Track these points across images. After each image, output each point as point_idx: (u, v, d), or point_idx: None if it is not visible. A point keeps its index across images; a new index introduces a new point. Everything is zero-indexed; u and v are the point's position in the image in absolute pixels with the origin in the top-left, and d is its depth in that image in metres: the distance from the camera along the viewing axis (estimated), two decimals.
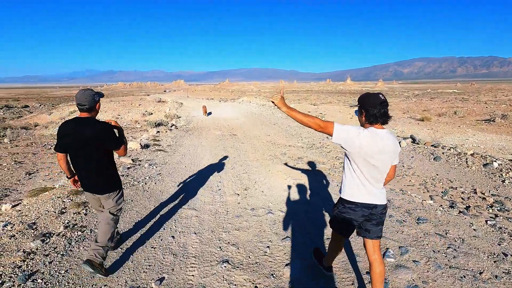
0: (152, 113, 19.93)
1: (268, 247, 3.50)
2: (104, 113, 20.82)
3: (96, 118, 2.66)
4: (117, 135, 2.73)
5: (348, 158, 2.29)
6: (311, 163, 7.51)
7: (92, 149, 2.54)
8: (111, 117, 19.49)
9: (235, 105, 25.29)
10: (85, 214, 4.07)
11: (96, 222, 3.86)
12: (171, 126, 14.07)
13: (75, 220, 3.87)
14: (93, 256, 2.60)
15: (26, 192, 5.16)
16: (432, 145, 9.25)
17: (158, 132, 12.05)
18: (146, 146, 9.21)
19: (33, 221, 3.73)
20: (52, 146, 10.13)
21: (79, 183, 2.80)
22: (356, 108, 2.34)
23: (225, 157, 8.19)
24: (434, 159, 7.70)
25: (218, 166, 7.22)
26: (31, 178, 6.45)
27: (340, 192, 2.40)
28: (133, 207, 4.54)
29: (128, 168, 6.60)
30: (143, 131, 13.22)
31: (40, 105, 48.86)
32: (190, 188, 5.61)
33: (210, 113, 19.00)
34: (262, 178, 6.31)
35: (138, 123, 17.28)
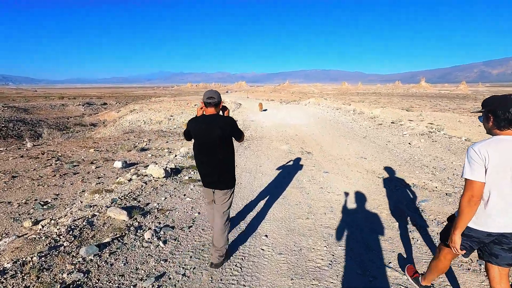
0: None
1: None
2: (158, 113, 18.80)
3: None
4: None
5: None
6: None
7: (223, 144, 2.56)
8: (163, 118, 17.19)
9: (301, 108, 20.95)
10: None
11: None
12: None
13: None
14: (217, 259, 2.73)
15: None
16: None
17: None
18: (176, 171, 5.68)
19: None
20: (63, 163, 7.28)
21: None
22: (480, 114, 1.82)
23: (305, 214, 4.09)
24: None
25: (295, 251, 3.17)
26: None
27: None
28: None
29: (107, 245, 2.95)
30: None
31: (116, 103, 52.02)
32: None
33: (265, 110, 18.55)
34: None
35: None
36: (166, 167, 5.44)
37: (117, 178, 5.36)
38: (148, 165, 6.09)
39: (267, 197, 4.72)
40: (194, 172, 5.83)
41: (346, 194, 4.88)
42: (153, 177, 5.14)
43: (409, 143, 8.60)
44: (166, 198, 4.37)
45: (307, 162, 7.02)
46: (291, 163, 6.92)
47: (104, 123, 26.68)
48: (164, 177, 5.17)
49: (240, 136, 2.70)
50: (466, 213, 1.70)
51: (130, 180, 4.98)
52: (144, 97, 61.31)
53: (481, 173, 1.64)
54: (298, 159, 7.28)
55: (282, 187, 5.22)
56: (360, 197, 4.71)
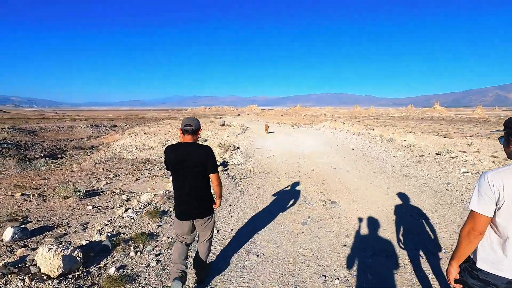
0: (206, 140, 14.60)
1: None
2: (153, 137, 16.63)
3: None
4: None
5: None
6: None
7: (199, 172, 2.44)
8: (158, 143, 14.95)
9: (315, 133, 18.32)
10: None
11: None
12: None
13: None
14: (200, 276, 2.71)
15: None
16: None
17: None
18: (101, 251, 3.09)
19: None
20: None
21: None
22: (501, 135, 1.56)
23: None
24: None
25: None
26: None
27: (473, 257, 1.54)
28: None
29: None
30: (163, 176, 7.30)
31: (126, 125, 51.08)
32: None
33: (272, 132, 17.72)
34: None
35: None
36: (75, 249, 2.85)
37: None
38: (65, 234, 3.57)
39: None
40: (137, 252, 3.22)
41: None
42: (39, 275, 2.56)
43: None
44: None
45: (333, 224, 4.29)
46: (307, 226, 4.22)
47: (104, 146, 24.89)
48: (60, 275, 2.58)
49: (216, 167, 2.48)
50: (465, 246, 1.49)
51: None
52: (156, 119, 60.53)
53: (489, 207, 1.39)
54: (319, 217, 4.56)
55: None
56: None
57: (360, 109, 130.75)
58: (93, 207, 4.46)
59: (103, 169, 7.96)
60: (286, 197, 5.58)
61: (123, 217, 4.05)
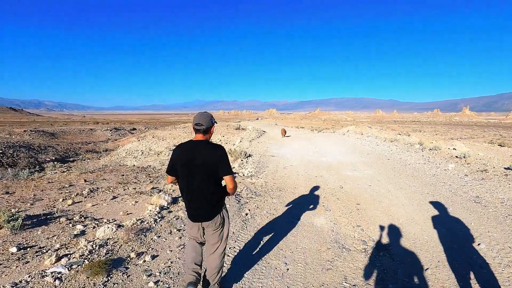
0: None
1: None
2: (161, 142, 15.38)
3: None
4: None
5: None
6: None
7: (208, 174, 2.17)
8: (165, 148, 13.61)
9: (338, 139, 16.24)
10: None
11: None
12: None
13: None
14: None
15: None
16: None
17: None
18: None
19: None
20: None
21: None
22: None
23: None
24: None
25: None
26: None
27: None
28: None
29: None
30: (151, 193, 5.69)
31: (145, 129, 51.15)
32: None
33: (289, 136, 17.17)
34: None
35: None
36: None
37: None
38: None
39: None
40: None
41: None
42: None
43: None
44: None
45: None
46: None
47: (117, 150, 24.18)
48: None
49: (230, 169, 2.17)
50: None
51: None
52: (175, 123, 60.45)
53: None
54: (363, 281, 2.76)
55: None
56: None
57: (382, 113, 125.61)
58: (18, 249, 2.95)
59: (85, 180, 6.58)
60: (308, 233, 3.82)
61: (45, 276, 2.48)
